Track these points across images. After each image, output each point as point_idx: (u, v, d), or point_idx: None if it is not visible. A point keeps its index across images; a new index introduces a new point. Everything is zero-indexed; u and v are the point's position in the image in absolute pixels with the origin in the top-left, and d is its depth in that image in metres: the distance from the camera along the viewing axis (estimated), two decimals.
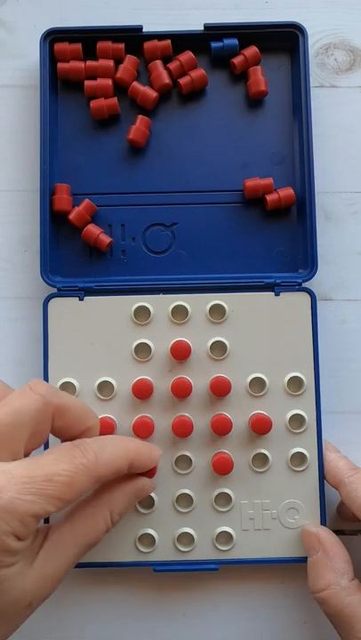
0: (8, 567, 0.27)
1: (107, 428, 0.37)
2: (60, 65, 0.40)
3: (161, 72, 0.40)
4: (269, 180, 0.39)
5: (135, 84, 0.40)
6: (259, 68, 0.40)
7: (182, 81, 0.40)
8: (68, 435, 0.32)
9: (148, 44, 0.40)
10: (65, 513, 0.31)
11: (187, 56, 0.40)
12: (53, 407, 0.30)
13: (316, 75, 0.42)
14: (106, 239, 0.39)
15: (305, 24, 0.40)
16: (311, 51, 0.42)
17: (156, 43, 0.40)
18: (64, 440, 0.32)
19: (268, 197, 0.39)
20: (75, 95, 0.41)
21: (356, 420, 0.40)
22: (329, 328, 0.40)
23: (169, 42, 0.40)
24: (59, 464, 0.28)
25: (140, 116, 0.40)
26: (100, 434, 0.37)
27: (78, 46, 0.40)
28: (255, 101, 0.41)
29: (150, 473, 0.34)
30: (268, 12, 0.42)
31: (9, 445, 0.28)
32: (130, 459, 0.32)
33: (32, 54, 0.41)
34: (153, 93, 0.40)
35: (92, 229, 0.39)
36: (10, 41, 0.42)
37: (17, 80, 0.42)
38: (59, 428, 0.31)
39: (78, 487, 0.28)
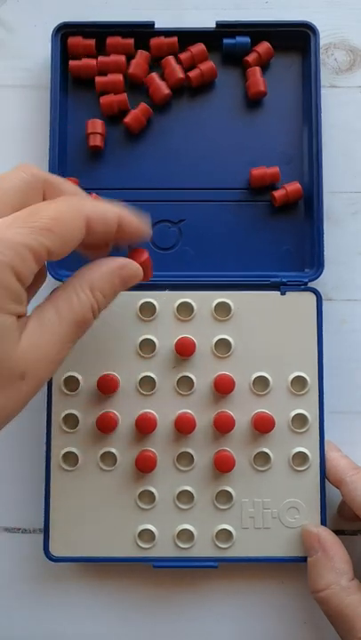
0: (5, 314, 0.26)
1: (110, 423, 0.37)
2: (71, 62, 0.40)
3: (174, 67, 0.40)
4: (275, 169, 0.39)
5: (153, 74, 0.40)
6: (258, 68, 0.40)
7: (192, 74, 0.40)
8: None
9: (154, 41, 0.40)
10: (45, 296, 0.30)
11: (198, 47, 0.40)
12: (42, 180, 0.29)
13: None
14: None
15: (313, 24, 0.40)
16: None
17: (162, 40, 0.40)
18: None
19: (276, 194, 0.39)
20: (84, 90, 0.41)
21: (357, 420, 0.40)
22: (330, 328, 0.40)
23: (175, 39, 0.40)
24: (42, 205, 0.28)
25: (142, 104, 0.40)
26: (104, 429, 0.37)
27: (92, 42, 0.40)
28: (264, 100, 0.41)
29: (142, 262, 0.32)
30: (268, 13, 0.42)
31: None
32: (118, 213, 0.30)
33: (32, 54, 0.42)
34: (165, 89, 0.40)
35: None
36: (10, 41, 0.42)
37: (16, 80, 0.42)
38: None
39: (67, 221, 0.27)
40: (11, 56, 0.42)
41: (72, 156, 0.40)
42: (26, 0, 0.42)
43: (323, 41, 0.42)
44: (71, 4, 0.42)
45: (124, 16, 0.42)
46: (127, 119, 0.40)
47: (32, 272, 0.27)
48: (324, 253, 0.39)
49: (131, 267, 0.31)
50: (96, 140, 0.40)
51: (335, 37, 0.42)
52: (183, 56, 0.40)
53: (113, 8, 0.42)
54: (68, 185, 0.31)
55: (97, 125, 0.40)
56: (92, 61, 0.40)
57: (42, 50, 0.40)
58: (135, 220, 0.31)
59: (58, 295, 0.29)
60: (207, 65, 0.40)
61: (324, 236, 0.40)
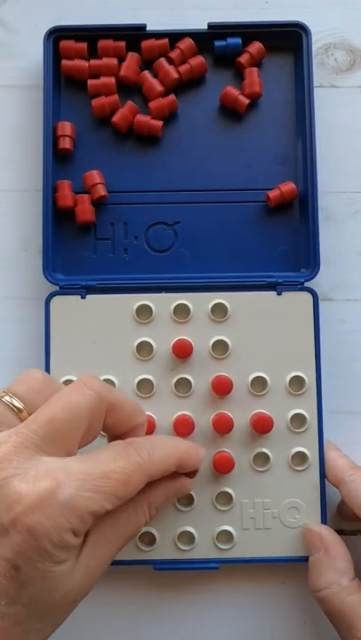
0: (62, 563, 0.26)
1: None
2: (64, 62, 0.40)
3: (168, 68, 0.40)
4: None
5: (146, 72, 0.40)
6: (255, 69, 0.40)
7: (182, 69, 0.40)
8: (117, 431, 0.32)
9: (146, 43, 0.40)
10: None
11: (186, 43, 0.39)
12: (107, 403, 0.30)
13: (316, 75, 0.41)
14: (102, 191, 0.39)
15: (305, 24, 0.40)
16: None
17: (153, 42, 0.40)
18: (113, 437, 0.32)
19: (271, 194, 0.39)
20: (77, 92, 0.40)
21: (357, 420, 0.40)
22: (329, 328, 0.40)
23: (166, 40, 0.40)
24: (115, 462, 0.28)
25: (129, 102, 0.40)
26: None
27: (84, 45, 0.40)
28: (258, 101, 0.41)
29: (192, 473, 0.34)
30: (268, 12, 0.42)
31: (64, 441, 0.28)
32: (178, 458, 0.32)
33: (32, 54, 0.41)
34: (159, 87, 0.40)
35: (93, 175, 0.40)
36: (10, 41, 0.42)
37: (17, 80, 0.42)
38: (110, 424, 0.31)
39: (134, 485, 0.28)
40: (10, 56, 0.42)
41: (66, 159, 0.40)
42: (26, 0, 0.42)
43: (323, 41, 0.42)
44: (71, 4, 0.42)
45: (123, 16, 0.42)
46: (115, 118, 0.40)
47: (88, 527, 0.27)
48: (324, 253, 0.39)
49: (187, 486, 0.34)
50: (65, 143, 0.39)
51: (335, 37, 0.42)
52: (173, 54, 0.40)
53: (112, 8, 0.42)
54: (127, 404, 0.31)
55: (66, 128, 0.40)
56: (85, 63, 0.40)
57: (41, 50, 0.40)
58: (194, 459, 0.33)
59: (118, 511, 0.29)
60: (197, 60, 0.40)
61: (324, 236, 0.40)
